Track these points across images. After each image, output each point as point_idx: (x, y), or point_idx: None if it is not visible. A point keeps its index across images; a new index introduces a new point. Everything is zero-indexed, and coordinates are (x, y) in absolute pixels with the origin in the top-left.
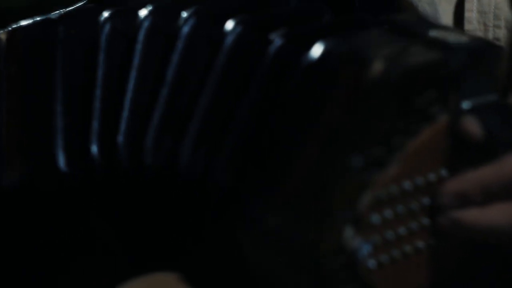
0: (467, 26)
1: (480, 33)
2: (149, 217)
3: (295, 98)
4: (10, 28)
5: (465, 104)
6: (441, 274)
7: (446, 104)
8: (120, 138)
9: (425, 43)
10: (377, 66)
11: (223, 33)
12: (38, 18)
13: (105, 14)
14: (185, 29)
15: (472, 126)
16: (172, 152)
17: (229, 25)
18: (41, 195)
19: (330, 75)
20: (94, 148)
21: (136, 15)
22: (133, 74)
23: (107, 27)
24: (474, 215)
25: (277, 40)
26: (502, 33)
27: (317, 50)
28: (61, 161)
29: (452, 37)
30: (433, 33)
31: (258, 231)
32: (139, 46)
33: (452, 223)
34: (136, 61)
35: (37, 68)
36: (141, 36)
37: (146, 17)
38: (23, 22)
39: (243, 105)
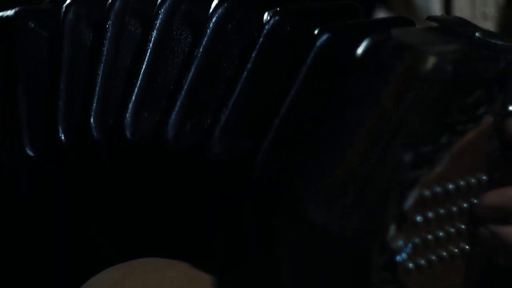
0: (456, 2)
1: (466, 10)
2: (134, 197)
3: (345, 87)
4: None
5: (511, 107)
6: (474, 279)
7: (492, 106)
8: (92, 117)
9: (476, 43)
10: (432, 60)
11: (207, 12)
12: None
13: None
14: (164, 6)
15: None
16: (156, 126)
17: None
18: (13, 182)
19: (384, 64)
20: (60, 130)
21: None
22: (104, 54)
23: (70, 14)
24: None
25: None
26: (489, 11)
27: (370, 41)
28: (27, 146)
29: (498, 40)
30: (479, 35)
31: (299, 223)
32: (110, 27)
33: (492, 237)
34: (107, 42)
35: None
36: (112, 16)
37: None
38: None
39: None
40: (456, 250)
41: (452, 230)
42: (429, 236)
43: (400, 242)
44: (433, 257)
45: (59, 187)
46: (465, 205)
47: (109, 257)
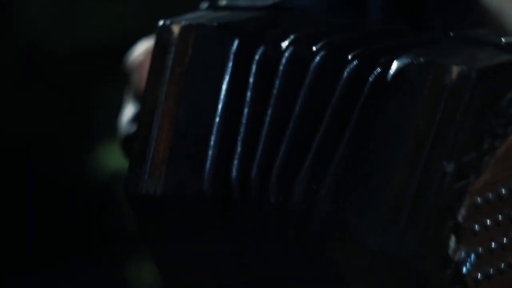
0: None
1: None
2: (261, 245)
3: (378, 113)
4: (183, 22)
5: None
6: None
7: None
8: (254, 170)
9: (499, 47)
10: (456, 70)
11: (343, 66)
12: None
13: (271, 36)
14: (315, 61)
15: None
16: (288, 189)
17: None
18: (177, 208)
19: (411, 85)
20: (234, 173)
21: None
22: (271, 105)
23: (260, 51)
24: None
25: (351, 60)
26: None
27: (398, 64)
28: (206, 180)
29: None
30: (505, 40)
31: (361, 254)
32: (279, 75)
33: None
34: (274, 91)
35: (203, 74)
36: (281, 65)
37: (288, 46)
38: (191, 15)
39: (340, 134)
40: None
41: None
42: (493, 244)
43: (462, 254)
44: (502, 265)
45: (212, 220)
46: None
47: None
